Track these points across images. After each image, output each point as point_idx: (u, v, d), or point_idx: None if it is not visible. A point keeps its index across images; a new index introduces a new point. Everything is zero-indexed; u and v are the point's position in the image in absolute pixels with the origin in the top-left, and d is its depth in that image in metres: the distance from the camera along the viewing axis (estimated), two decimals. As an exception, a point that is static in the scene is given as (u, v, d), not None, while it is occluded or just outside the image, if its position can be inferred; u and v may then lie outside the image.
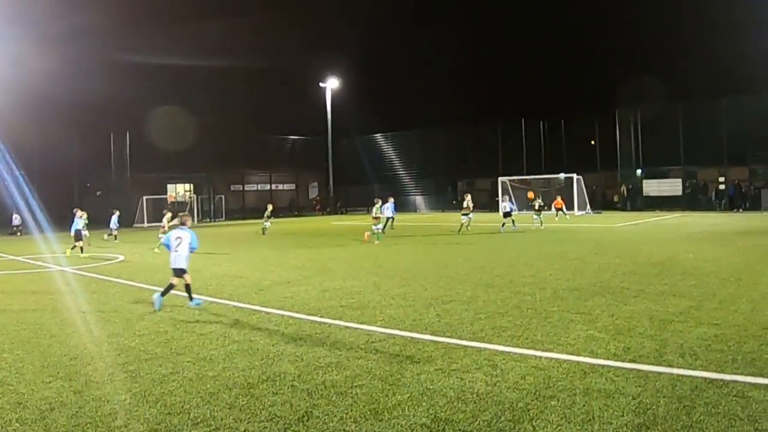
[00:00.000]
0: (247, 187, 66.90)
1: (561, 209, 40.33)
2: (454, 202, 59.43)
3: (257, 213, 54.65)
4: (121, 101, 53.30)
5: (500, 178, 51.09)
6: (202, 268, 17.36)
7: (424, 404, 6.33)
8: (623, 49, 67.04)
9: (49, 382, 7.43)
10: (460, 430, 5.74)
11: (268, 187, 66.13)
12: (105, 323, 10.80)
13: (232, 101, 66.24)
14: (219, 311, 11.65)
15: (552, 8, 77.87)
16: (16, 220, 41.49)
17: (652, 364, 7.44)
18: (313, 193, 71.39)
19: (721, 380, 6.73)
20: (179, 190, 62.54)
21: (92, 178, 55.12)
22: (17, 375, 7.80)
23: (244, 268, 18.42)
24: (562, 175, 48.74)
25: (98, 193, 54.35)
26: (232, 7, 73.33)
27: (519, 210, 33.56)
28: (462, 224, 30.35)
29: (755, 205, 44.84)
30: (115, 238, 30.82)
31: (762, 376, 6.86)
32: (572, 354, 7.98)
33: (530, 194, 34.79)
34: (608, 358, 7.73)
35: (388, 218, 31.23)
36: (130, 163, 52.98)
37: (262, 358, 8.23)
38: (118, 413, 6.34)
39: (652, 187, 50.55)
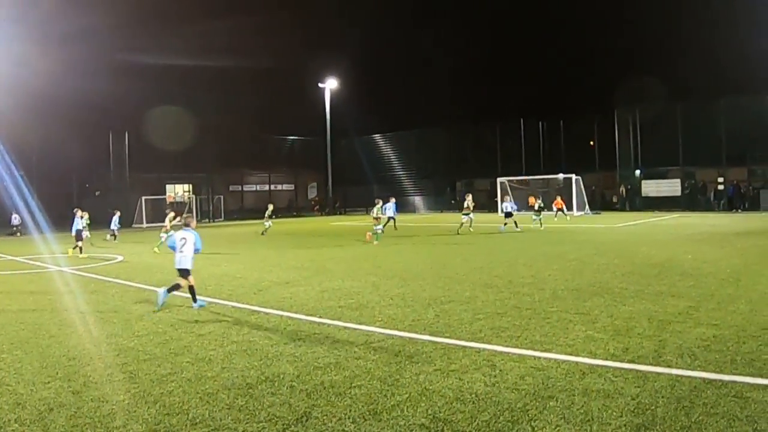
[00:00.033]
0: (246, 188, 66.93)
1: (561, 209, 40.35)
2: (453, 201, 59.49)
3: (256, 213, 54.72)
4: (120, 101, 53.27)
5: (499, 179, 51.09)
6: (200, 268, 17.31)
7: (422, 405, 6.33)
8: (622, 49, 67.06)
9: (48, 383, 7.43)
10: (458, 430, 5.74)
11: (267, 187, 66.17)
12: (104, 324, 10.80)
13: (231, 102, 66.17)
14: (218, 312, 11.65)
15: (550, 9, 77.93)
16: (15, 220, 41.49)
17: (651, 364, 7.44)
18: (312, 193, 71.40)
19: (720, 381, 6.74)
20: (178, 191, 62.56)
21: (91, 178, 55.08)
22: (16, 375, 7.80)
23: (243, 268, 18.41)
24: (560, 176, 48.73)
25: (97, 193, 54.31)
26: (230, 8, 73.33)
27: (519, 210, 33.35)
28: (462, 223, 30.38)
29: (754, 206, 44.85)
30: (115, 239, 30.81)
31: (761, 376, 6.86)
32: (571, 354, 7.98)
33: (531, 200, 34.61)
34: (607, 359, 7.73)
35: (389, 218, 31.22)
36: (129, 163, 52.98)
37: (260, 358, 8.23)
38: (117, 414, 6.34)
39: (651, 188, 50.56)
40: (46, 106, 47.82)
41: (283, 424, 5.96)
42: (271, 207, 35.18)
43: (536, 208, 33.74)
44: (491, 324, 9.81)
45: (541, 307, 11.09)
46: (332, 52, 68.55)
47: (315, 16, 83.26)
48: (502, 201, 33.98)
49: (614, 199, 52.45)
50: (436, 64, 78.52)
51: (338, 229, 39.08)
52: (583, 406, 6.16)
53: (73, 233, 24.41)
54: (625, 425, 5.68)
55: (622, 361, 7.62)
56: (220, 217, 57.33)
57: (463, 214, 30.88)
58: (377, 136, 67.17)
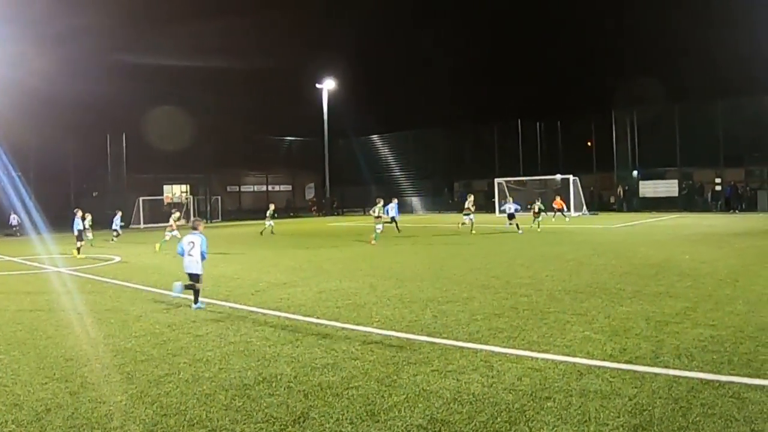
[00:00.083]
0: (244, 188, 66.92)
1: (561, 210, 40.37)
2: (451, 201, 59.53)
3: (254, 214, 54.79)
4: (118, 102, 53.24)
5: (497, 179, 51.11)
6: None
7: (420, 405, 6.33)
8: (620, 50, 67.26)
9: (45, 384, 7.42)
10: (456, 431, 5.74)
11: (264, 188, 66.11)
12: (101, 324, 10.78)
13: (228, 102, 66.16)
14: (215, 312, 11.64)
15: (548, 10, 78.01)
16: (13, 220, 41.46)
17: (649, 365, 7.45)
18: (310, 194, 71.38)
19: (718, 381, 6.74)
20: (176, 191, 62.54)
21: (88, 178, 55.00)
22: (13, 376, 7.79)
23: (241, 269, 18.40)
24: (558, 176, 48.77)
25: (94, 194, 54.26)
26: (228, 8, 73.27)
27: (521, 210, 33.18)
28: (463, 222, 30.40)
29: (751, 207, 44.90)
30: (113, 239, 30.81)
31: (758, 377, 6.87)
32: (568, 355, 7.98)
33: (535, 208, 34.47)
34: (604, 359, 7.73)
35: (392, 219, 31.16)
36: (126, 163, 52.91)
37: (258, 359, 8.23)
38: (115, 415, 6.33)
39: (649, 189, 50.59)
40: (44, 106, 47.79)
41: (281, 425, 5.95)
42: (272, 207, 35.27)
43: (536, 210, 33.72)
44: (489, 325, 9.81)
45: (538, 307, 11.09)
46: (330, 53, 68.57)
47: (312, 16, 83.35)
48: (504, 202, 33.82)
49: (612, 200, 52.48)
50: (434, 64, 78.70)
51: (336, 229, 39.08)
52: (580, 406, 6.16)
53: (75, 233, 24.41)
54: (622, 426, 5.68)
55: (619, 361, 7.63)
56: (218, 218, 57.29)
57: (464, 215, 30.85)
58: (375, 137, 67.15)
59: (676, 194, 49.14)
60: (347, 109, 64.02)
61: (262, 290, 14.15)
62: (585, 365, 7.53)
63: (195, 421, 6.12)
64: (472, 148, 62.62)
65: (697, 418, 5.77)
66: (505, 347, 8.46)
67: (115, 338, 9.69)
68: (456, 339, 8.98)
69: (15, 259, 23.66)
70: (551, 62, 73.39)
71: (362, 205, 60.75)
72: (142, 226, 47.47)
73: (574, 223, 37.66)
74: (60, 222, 35.50)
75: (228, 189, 64.62)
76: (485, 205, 51.93)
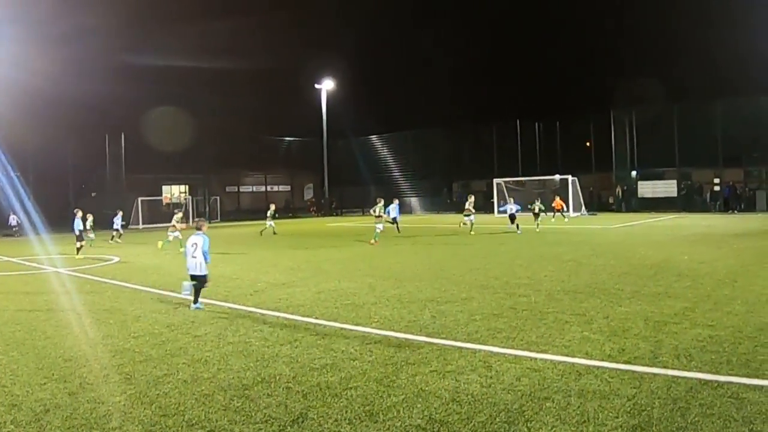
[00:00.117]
0: (243, 189, 66.90)
1: (560, 210, 40.38)
2: (449, 201, 59.54)
3: (253, 214, 54.78)
4: (116, 102, 53.17)
5: (495, 180, 51.12)
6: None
7: (419, 405, 6.34)
8: (619, 51, 67.21)
9: (44, 384, 7.41)
10: (454, 431, 5.74)
11: (263, 188, 66.07)
12: (100, 325, 10.78)
13: (227, 102, 66.11)
14: (214, 313, 11.64)
15: (546, 10, 78.00)
16: (13, 221, 41.44)
17: (647, 365, 7.45)
18: (309, 194, 71.40)
19: (716, 382, 6.75)
20: (174, 192, 62.52)
21: (87, 179, 54.97)
22: (12, 377, 7.78)
23: (239, 269, 18.39)
24: (557, 177, 48.79)
25: (93, 194, 54.23)
26: (227, 9, 73.32)
27: (521, 210, 33.13)
28: (464, 222, 30.43)
29: (750, 207, 44.93)
30: (112, 239, 30.86)
31: (757, 377, 6.88)
32: (567, 355, 7.99)
33: (535, 208, 34.43)
34: (603, 360, 7.74)
35: (393, 219, 31.14)
36: (125, 164, 52.88)
37: (257, 359, 8.23)
38: (113, 415, 6.33)
39: (647, 189, 50.60)
40: (42, 106, 47.74)
41: (279, 426, 5.95)
42: (272, 207, 35.29)
43: (536, 210, 33.73)
44: (487, 325, 9.81)
45: (537, 308, 11.09)
46: (329, 53, 68.57)
47: (312, 17, 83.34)
48: (505, 203, 33.77)
49: (610, 200, 52.50)
50: (432, 65, 78.80)
51: (334, 230, 39.08)
52: (579, 407, 6.16)
53: (76, 233, 24.42)
54: (621, 426, 5.69)
55: (618, 362, 7.63)
56: (217, 218, 57.27)
57: (465, 216, 30.84)
58: (374, 137, 67.13)
59: (675, 194, 49.15)
60: (346, 109, 64.06)
61: (260, 290, 14.15)
62: (584, 365, 7.53)
63: (194, 421, 6.11)
64: (471, 148, 62.64)
65: (696, 419, 5.77)
66: (503, 347, 8.46)
67: (114, 339, 9.69)
68: (455, 339, 8.98)
69: (14, 260, 23.64)
70: (550, 63, 73.46)
71: (361, 206, 60.77)
72: (141, 226, 47.47)
73: (572, 223, 37.67)
74: (59, 222, 35.51)
75: (227, 189, 64.60)
76: (484, 206, 51.96)
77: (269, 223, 33.93)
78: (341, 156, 66.16)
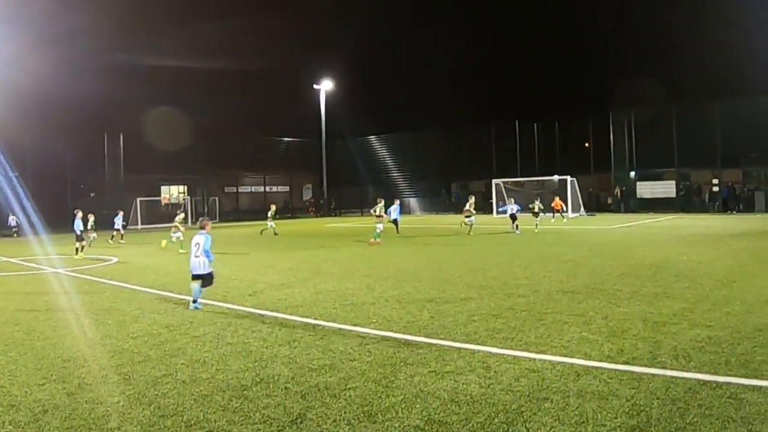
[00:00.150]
0: (241, 189, 66.91)
1: (560, 211, 40.40)
2: (449, 202, 59.57)
3: (251, 215, 54.76)
4: (115, 102, 53.24)
5: (494, 180, 51.13)
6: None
7: (417, 406, 6.33)
8: (617, 51, 67.31)
9: (43, 385, 7.41)
10: (453, 432, 5.74)
11: (261, 189, 66.08)
12: (98, 325, 10.77)
13: (226, 103, 66.20)
14: (213, 313, 11.63)
15: (545, 11, 78.07)
16: (12, 221, 41.42)
17: (646, 365, 7.45)
18: (307, 194, 71.39)
19: (715, 382, 6.75)
20: (173, 192, 62.50)
21: (86, 179, 54.95)
22: (10, 377, 7.77)
23: (238, 270, 18.37)
24: (556, 178, 48.83)
25: (92, 194, 54.20)
26: (226, 9, 73.35)
27: (521, 210, 33.12)
28: (464, 222, 30.44)
29: (749, 207, 44.99)
30: (112, 238, 30.87)
31: (755, 377, 6.88)
32: (566, 356, 7.98)
33: (534, 208, 34.42)
34: (602, 360, 7.74)
35: (394, 220, 31.12)
36: (123, 164, 52.86)
37: (255, 360, 8.22)
38: (112, 415, 6.32)
39: (646, 189, 50.66)
40: (41, 107, 47.75)
41: (278, 426, 5.95)
42: (273, 208, 35.31)
43: (536, 210, 33.76)
44: (486, 325, 9.81)
45: (536, 308, 11.09)
46: (327, 53, 68.72)
47: (310, 17, 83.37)
48: (505, 204, 33.77)
49: (609, 201, 52.54)
50: (432, 65, 78.90)
51: (333, 230, 39.08)
52: (577, 407, 6.16)
53: (77, 233, 24.40)
54: (619, 426, 5.68)
55: (616, 362, 7.63)
56: (215, 219, 57.21)
57: (466, 216, 30.82)
58: (372, 138, 67.18)
59: (674, 195, 49.23)
60: (345, 109, 64.14)
61: (259, 291, 14.14)
62: (582, 366, 7.53)
63: (192, 422, 6.11)
64: (469, 148, 62.70)
65: (695, 419, 5.77)
66: (502, 348, 8.46)
67: (113, 339, 9.68)
68: (453, 340, 8.97)
69: (13, 260, 23.62)
70: (549, 63, 73.58)
71: (360, 206, 60.79)
72: (139, 226, 47.44)
73: (571, 224, 37.68)
74: (58, 222, 35.51)
75: (225, 190, 64.61)
76: (483, 206, 51.98)
77: (270, 223, 33.93)
78: (340, 156, 66.21)
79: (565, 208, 42.18)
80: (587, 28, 69.10)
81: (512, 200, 32.48)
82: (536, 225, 32.25)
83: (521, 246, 23.79)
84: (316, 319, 10.75)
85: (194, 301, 12.01)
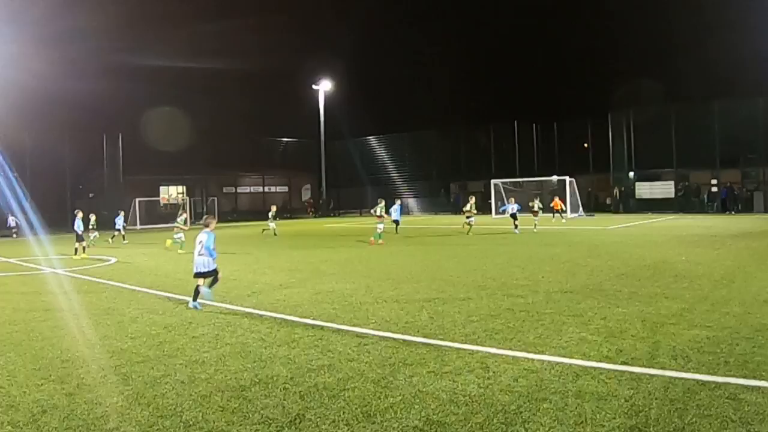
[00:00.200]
0: (240, 189, 66.91)
1: (559, 211, 40.41)
2: (448, 202, 59.58)
3: (250, 215, 54.72)
4: (114, 103, 53.32)
5: (493, 181, 51.15)
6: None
7: (416, 407, 6.33)
8: (616, 52, 67.34)
9: (41, 385, 7.40)
10: (452, 432, 5.74)
11: (260, 189, 66.07)
12: (97, 325, 10.76)
13: (224, 103, 66.23)
14: (211, 314, 11.63)
15: (545, 12, 78.10)
16: (11, 221, 41.41)
17: (645, 366, 7.45)
18: (306, 195, 71.38)
19: (714, 382, 6.75)
20: (172, 192, 62.49)
21: (85, 179, 54.95)
22: (9, 378, 7.77)
23: (237, 270, 18.36)
24: (555, 178, 48.85)
25: (91, 195, 54.19)
26: (225, 10, 73.33)
27: (520, 210, 33.16)
28: (464, 223, 30.47)
29: (747, 208, 45.04)
30: (112, 238, 30.89)
31: (754, 378, 6.88)
32: (564, 356, 7.98)
33: (534, 207, 34.47)
34: (600, 361, 7.73)
35: (394, 221, 31.10)
36: (122, 164, 52.84)
37: (254, 360, 8.22)
38: (111, 416, 6.32)
39: (645, 190, 50.68)
40: (40, 107, 47.80)
41: (277, 426, 5.95)
42: (274, 208, 35.32)
43: (535, 209, 33.79)
44: (485, 326, 9.81)
45: (534, 309, 11.09)
46: (326, 54, 68.81)
47: (309, 18, 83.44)
48: (507, 203, 33.81)
49: (608, 201, 52.56)
50: (431, 66, 78.75)
51: (332, 230, 39.07)
52: (576, 408, 6.16)
53: (79, 232, 24.41)
54: (618, 427, 5.68)
55: (615, 362, 7.63)
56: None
57: (466, 217, 30.83)
58: (371, 138, 67.18)
59: (673, 195, 49.25)
60: (344, 110, 64.18)
61: (258, 291, 14.13)
62: (581, 366, 7.53)
63: (191, 422, 6.11)
64: (468, 149, 62.73)
65: (693, 420, 5.77)
66: (501, 348, 8.46)
67: (112, 339, 9.67)
68: (452, 340, 8.97)
69: (12, 260, 23.61)
70: (548, 64, 73.59)
71: (358, 207, 60.79)
72: (138, 227, 47.39)
73: (570, 224, 37.67)
74: (57, 223, 35.50)
75: (224, 190, 64.62)
76: (482, 207, 51.98)
77: (271, 224, 33.91)
78: (339, 157, 66.20)
79: (564, 209, 42.21)
80: (586, 29, 69.19)
81: (512, 200, 32.51)
82: (535, 225, 32.28)
83: (520, 246, 23.79)
84: (314, 319, 10.75)
85: (194, 299, 12.00)
